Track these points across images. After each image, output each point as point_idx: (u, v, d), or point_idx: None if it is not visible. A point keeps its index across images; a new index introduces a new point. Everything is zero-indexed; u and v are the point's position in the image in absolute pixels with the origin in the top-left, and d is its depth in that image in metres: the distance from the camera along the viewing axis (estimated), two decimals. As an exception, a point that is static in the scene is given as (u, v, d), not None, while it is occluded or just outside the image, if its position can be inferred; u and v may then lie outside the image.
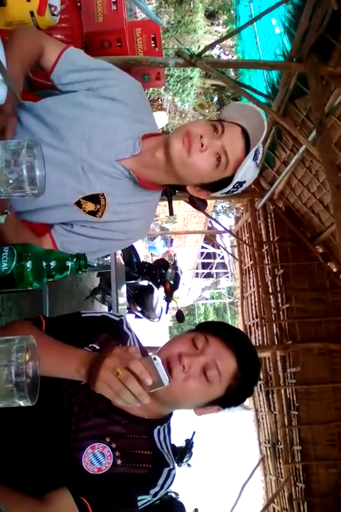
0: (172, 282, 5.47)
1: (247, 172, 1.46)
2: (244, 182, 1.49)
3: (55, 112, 1.51)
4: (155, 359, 1.09)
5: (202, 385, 1.21)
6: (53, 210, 1.52)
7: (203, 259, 21.65)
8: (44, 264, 1.07)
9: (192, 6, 10.82)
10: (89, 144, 1.49)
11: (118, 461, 1.23)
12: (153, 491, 1.24)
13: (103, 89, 1.53)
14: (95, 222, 1.54)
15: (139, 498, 1.22)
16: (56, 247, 1.52)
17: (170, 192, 1.68)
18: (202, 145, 1.40)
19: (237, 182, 1.47)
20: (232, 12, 10.08)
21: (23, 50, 1.43)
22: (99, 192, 1.52)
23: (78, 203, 1.51)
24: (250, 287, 7.77)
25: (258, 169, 1.56)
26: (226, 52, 13.59)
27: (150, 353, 1.17)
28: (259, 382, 7.22)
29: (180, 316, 5.05)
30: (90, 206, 1.52)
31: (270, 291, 6.95)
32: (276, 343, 6.73)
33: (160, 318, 6.02)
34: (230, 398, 1.27)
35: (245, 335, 1.38)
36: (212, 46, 5.24)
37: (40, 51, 1.51)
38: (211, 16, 12.96)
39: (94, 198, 1.52)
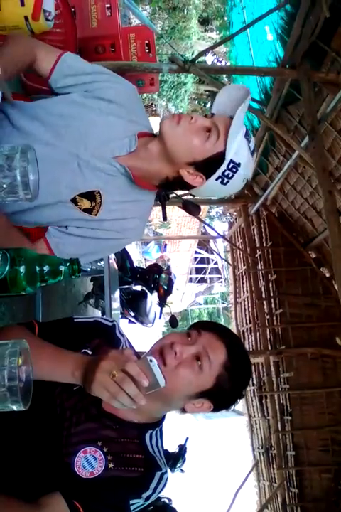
0: (165, 287, 5.47)
1: (240, 151, 1.44)
2: (239, 164, 1.45)
3: (51, 110, 1.54)
4: (151, 361, 1.09)
5: (193, 372, 1.21)
6: (49, 208, 1.52)
7: (197, 264, 21.63)
8: (37, 268, 1.07)
9: (185, 12, 10.85)
10: (85, 142, 1.51)
11: (111, 465, 1.23)
12: (145, 495, 1.24)
13: (99, 91, 1.56)
14: (90, 221, 1.55)
15: (132, 501, 1.22)
16: (51, 249, 1.52)
17: (164, 197, 1.67)
18: (191, 118, 1.45)
19: (231, 161, 1.44)
20: (225, 19, 10.14)
21: (15, 51, 1.45)
22: (94, 189, 1.53)
23: (74, 201, 1.53)
24: (243, 292, 7.78)
25: (254, 158, 1.53)
26: (220, 59, 13.64)
27: (146, 355, 1.18)
28: (252, 388, 7.23)
29: (173, 322, 5.04)
30: (86, 203, 1.53)
31: (263, 296, 6.97)
32: (270, 348, 6.74)
33: (153, 323, 6.01)
34: (221, 394, 1.26)
35: (236, 335, 1.42)
36: (205, 52, 5.27)
37: (33, 57, 1.53)
38: (204, 22, 13.00)
39: (90, 195, 1.53)
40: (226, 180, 1.47)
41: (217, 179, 1.47)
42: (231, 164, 1.44)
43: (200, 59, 4.54)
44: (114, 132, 1.54)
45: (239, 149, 1.44)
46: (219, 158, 1.44)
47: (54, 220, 1.55)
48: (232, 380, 1.25)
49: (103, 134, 1.53)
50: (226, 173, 1.46)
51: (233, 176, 1.46)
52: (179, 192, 1.70)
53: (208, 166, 1.46)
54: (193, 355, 1.22)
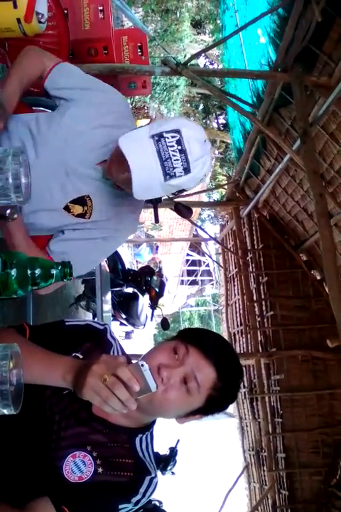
0: (157, 289, 5.47)
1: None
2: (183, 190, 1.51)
3: (43, 121, 1.62)
4: (142, 365, 1.09)
5: (182, 396, 1.20)
6: (44, 213, 1.61)
7: (188, 266, 21.65)
8: (29, 272, 1.07)
9: (178, 15, 10.84)
10: (72, 150, 1.60)
11: (100, 470, 1.22)
12: (134, 499, 1.23)
13: (91, 96, 1.65)
14: (85, 224, 1.64)
15: (121, 506, 1.22)
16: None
17: (156, 199, 1.70)
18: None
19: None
20: (218, 22, 10.17)
21: (24, 69, 1.57)
22: (84, 194, 1.62)
23: (66, 208, 1.61)
24: (235, 295, 7.79)
25: (193, 173, 1.42)
26: (212, 62, 13.67)
27: (138, 360, 1.17)
28: (243, 390, 7.23)
29: (165, 324, 5.04)
30: (78, 209, 1.62)
31: (254, 298, 6.97)
32: (260, 350, 6.75)
33: (145, 325, 6.01)
34: (211, 407, 1.26)
35: (226, 342, 1.35)
36: (197, 55, 5.27)
37: (43, 69, 1.63)
38: (197, 25, 13.00)
39: (81, 201, 1.62)
40: (175, 196, 1.58)
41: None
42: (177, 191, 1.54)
43: (193, 62, 4.55)
44: (99, 141, 1.62)
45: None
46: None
47: (51, 227, 1.62)
48: (223, 396, 1.25)
49: (89, 143, 1.61)
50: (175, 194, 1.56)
51: (180, 194, 1.57)
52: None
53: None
54: (181, 379, 1.20)
